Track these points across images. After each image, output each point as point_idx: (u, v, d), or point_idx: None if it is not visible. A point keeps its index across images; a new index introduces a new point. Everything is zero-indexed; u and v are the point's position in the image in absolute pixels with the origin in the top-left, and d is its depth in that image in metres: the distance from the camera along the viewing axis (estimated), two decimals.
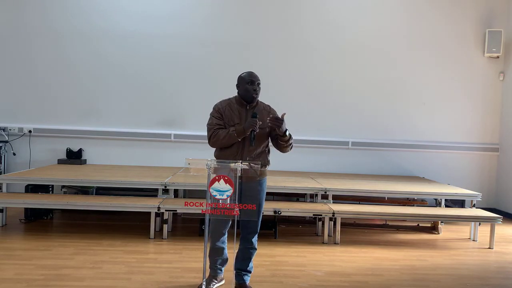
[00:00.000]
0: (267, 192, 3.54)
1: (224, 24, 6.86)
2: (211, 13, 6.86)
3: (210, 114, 3.46)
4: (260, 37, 6.87)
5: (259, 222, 3.44)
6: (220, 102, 3.49)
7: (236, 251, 3.49)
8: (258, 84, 3.40)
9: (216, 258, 3.50)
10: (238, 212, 3.07)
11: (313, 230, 5.59)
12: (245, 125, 3.28)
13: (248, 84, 3.37)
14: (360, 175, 6.67)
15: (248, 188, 3.22)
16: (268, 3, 6.90)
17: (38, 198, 5.16)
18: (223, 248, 3.50)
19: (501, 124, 7.16)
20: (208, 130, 3.39)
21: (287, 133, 3.34)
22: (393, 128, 7.03)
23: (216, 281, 3.51)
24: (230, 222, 3.43)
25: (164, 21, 6.78)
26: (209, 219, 3.16)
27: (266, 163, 3.44)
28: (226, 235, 3.49)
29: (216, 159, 3.32)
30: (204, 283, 3.22)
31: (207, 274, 3.41)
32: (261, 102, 3.51)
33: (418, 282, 3.96)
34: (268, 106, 3.53)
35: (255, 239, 3.46)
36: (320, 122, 6.95)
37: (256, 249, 3.50)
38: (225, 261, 3.55)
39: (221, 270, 3.56)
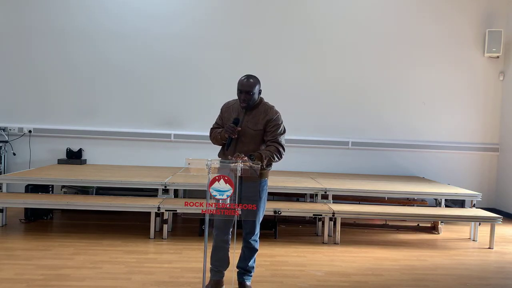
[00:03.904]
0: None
1: (224, 25, 6.85)
2: (212, 14, 6.85)
3: None
4: (260, 37, 6.87)
5: (256, 223, 3.40)
6: (228, 101, 3.58)
7: (239, 251, 3.51)
8: (248, 92, 3.31)
9: (219, 259, 3.45)
10: (239, 212, 3.09)
11: (313, 230, 5.59)
12: (224, 130, 3.35)
13: (238, 92, 3.39)
14: (360, 175, 6.67)
15: (247, 189, 3.21)
16: (267, 3, 6.90)
17: (38, 198, 5.16)
18: (226, 249, 3.46)
19: (501, 124, 7.16)
20: None
21: (262, 164, 3.21)
22: (393, 128, 7.03)
23: None
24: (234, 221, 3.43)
25: (164, 21, 6.77)
26: (209, 219, 3.14)
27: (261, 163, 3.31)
28: (230, 236, 3.43)
29: (218, 157, 3.41)
30: None
31: (207, 278, 3.35)
32: (265, 103, 3.46)
33: (418, 282, 3.96)
34: (270, 108, 3.43)
35: (253, 240, 3.44)
36: (320, 122, 6.95)
37: (255, 249, 3.48)
38: (227, 264, 3.49)
39: (223, 275, 3.50)
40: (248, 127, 3.35)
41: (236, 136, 3.31)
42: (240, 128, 3.32)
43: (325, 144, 6.95)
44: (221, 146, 3.50)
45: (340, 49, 6.95)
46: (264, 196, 3.46)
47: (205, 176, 3.06)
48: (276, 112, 3.44)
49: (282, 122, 3.43)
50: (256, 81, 3.37)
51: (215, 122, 3.58)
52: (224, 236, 3.42)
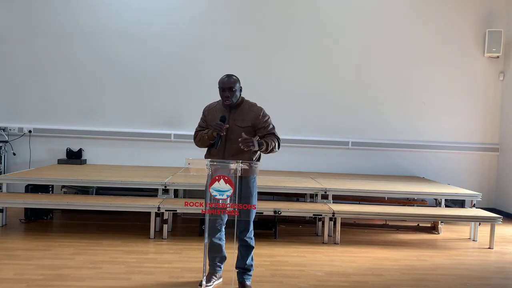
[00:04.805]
0: (267, 192, 3.57)
1: (225, 25, 6.85)
2: (213, 13, 6.85)
3: None
4: (260, 37, 6.87)
5: (250, 220, 3.44)
6: (209, 104, 3.62)
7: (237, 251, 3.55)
8: (231, 88, 3.37)
9: (214, 255, 3.59)
10: (238, 212, 3.10)
11: (313, 230, 5.59)
12: (212, 129, 3.36)
13: (220, 91, 3.43)
14: (360, 175, 6.67)
15: (240, 187, 3.21)
16: (268, 3, 6.90)
17: (38, 198, 5.16)
18: (220, 245, 3.57)
19: (501, 124, 7.16)
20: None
21: (263, 147, 3.32)
22: (393, 128, 7.03)
23: (215, 278, 3.61)
24: (226, 219, 3.53)
25: (165, 21, 6.78)
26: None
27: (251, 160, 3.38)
28: (222, 232, 3.56)
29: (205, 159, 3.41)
30: (204, 279, 3.25)
31: (207, 272, 3.47)
32: (247, 101, 3.53)
33: (418, 282, 3.96)
34: (254, 105, 3.52)
35: (248, 237, 3.47)
36: (320, 122, 6.95)
37: (251, 246, 3.51)
38: (223, 258, 3.65)
39: (220, 268, 3.66)
40: (236, 125, 3.39)
41: (224, 133, 3.33)
42: (227, 126, 3.34)
43: (325, 144, 6.94)
44: (206, 149, 3.51)
45: (340, 49, 6.95)
46: (255, 193, 3.50)
47: (205, 176, 3.06)
48: (261, 107, 3.52)
49: (269, 117, 3.52)
50: (237, 79, 3.46)
51: (198, 125, 3.59)
52: (216, 233, 3.52)
